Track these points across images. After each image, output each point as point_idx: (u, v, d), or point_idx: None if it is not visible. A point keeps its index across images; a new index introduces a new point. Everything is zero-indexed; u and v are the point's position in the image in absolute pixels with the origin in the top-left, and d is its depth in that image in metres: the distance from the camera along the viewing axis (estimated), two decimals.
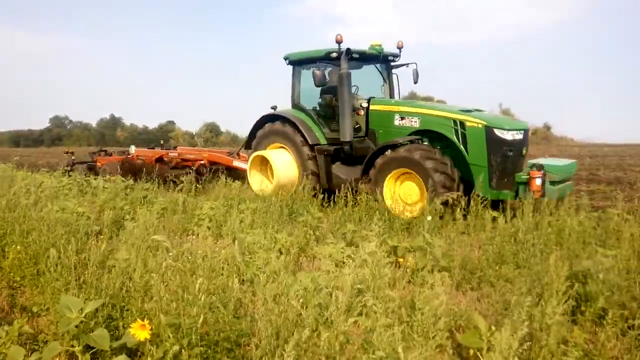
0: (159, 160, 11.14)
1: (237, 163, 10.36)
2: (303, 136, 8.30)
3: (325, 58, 8.03)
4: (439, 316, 2.94)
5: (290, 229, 5.74)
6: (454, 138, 7.02)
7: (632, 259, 4.07)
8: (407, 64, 8.93)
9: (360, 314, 2.94)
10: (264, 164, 8.89)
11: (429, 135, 7.40)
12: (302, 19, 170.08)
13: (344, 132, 7.81)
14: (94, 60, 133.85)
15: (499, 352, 1.90)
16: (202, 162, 10.76)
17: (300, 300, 2.92)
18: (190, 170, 10.12)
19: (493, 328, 2.04)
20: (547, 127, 54.39)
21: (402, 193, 7.24)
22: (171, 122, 70.55)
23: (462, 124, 6.98)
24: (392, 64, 9.03)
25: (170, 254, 3.57)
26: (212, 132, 71.42)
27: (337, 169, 8.24)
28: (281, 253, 4.57)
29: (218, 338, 2.78)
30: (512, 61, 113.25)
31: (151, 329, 2.52)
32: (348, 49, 7.73)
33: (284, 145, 8.68)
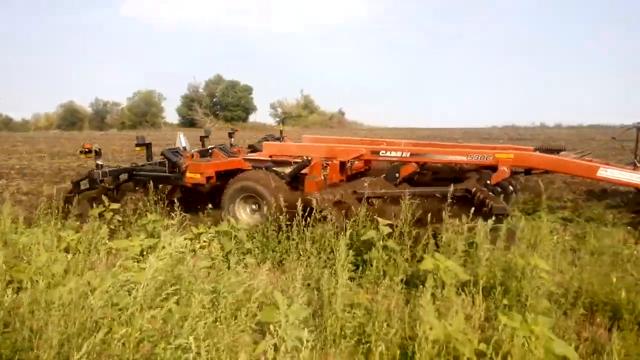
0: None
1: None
2: None
3: None
4: (243, 299, 2.99)
5: (79, 224, 5.12)
6: None
7: (405, 225, 4.80)
8: None
9: (160, 307, 2.79)
10: None
11: None
12: None
13: None
14: None
15: (291, 323, 2.02)
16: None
17: (89, 302, 2.63)
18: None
19: (289, 302, 2.16)
20: (342, 113, 60.36)
21: None
22: None
23: None
24: None
25: None
26: None
27: None
28: (68, 252, 4.06)
29: None
30: (314, 53, 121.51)
31: None
32: None
33: None
